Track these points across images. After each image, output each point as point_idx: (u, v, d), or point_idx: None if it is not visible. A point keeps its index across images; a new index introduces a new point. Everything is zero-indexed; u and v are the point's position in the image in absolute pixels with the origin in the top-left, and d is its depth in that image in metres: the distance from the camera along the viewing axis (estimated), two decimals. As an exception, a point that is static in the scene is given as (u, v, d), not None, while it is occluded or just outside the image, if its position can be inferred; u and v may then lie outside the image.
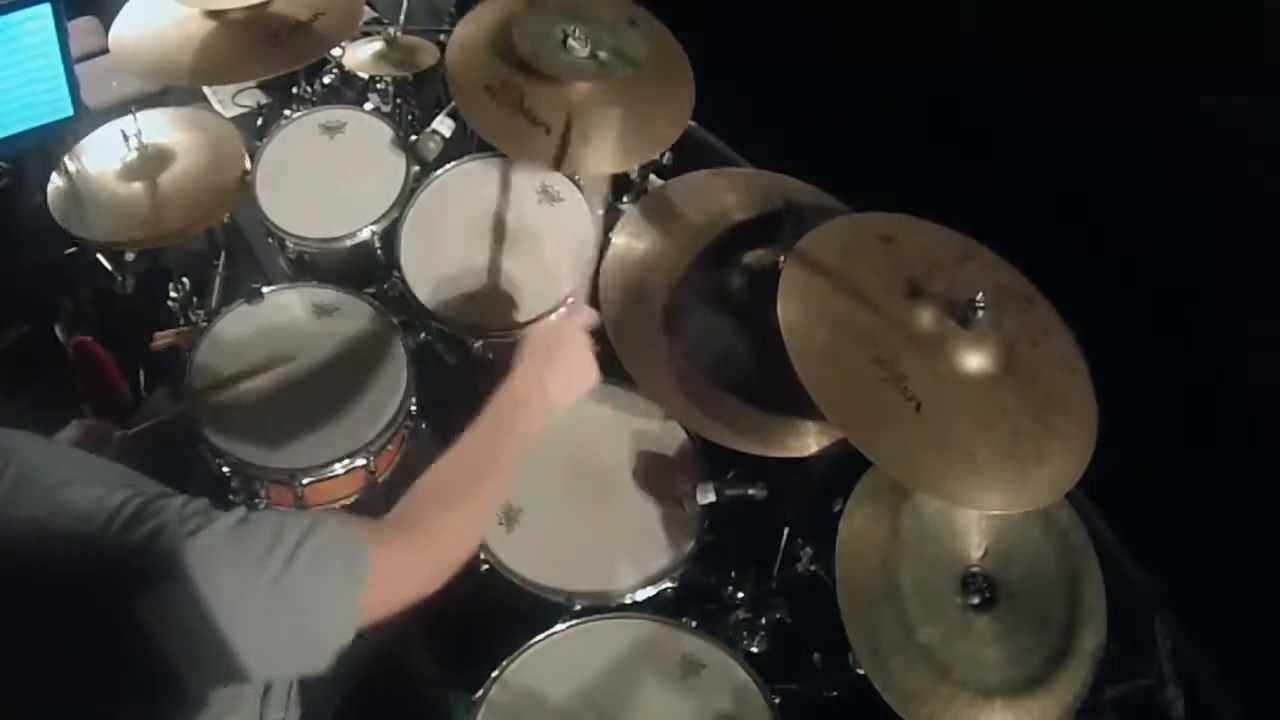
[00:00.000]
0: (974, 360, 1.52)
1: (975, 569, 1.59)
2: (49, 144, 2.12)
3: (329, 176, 2.20)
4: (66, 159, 2.07)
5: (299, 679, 1.28)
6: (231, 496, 1.87)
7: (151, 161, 2.08)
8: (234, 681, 0.96)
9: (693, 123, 2.11)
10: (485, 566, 1.68)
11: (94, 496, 0.94)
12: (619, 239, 1.94)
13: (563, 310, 1.37)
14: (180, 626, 0.90)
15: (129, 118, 2.09)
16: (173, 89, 2.75)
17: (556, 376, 1.34)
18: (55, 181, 2.05)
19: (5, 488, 0.94)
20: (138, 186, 2.05)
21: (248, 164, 2.14)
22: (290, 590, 0.95)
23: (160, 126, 2.16)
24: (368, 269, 2.19)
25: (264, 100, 2.64)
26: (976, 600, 1.57)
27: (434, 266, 2.04)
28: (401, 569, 1.08)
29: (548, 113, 1.90)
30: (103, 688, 0.91)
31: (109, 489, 0.96)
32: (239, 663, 0.93)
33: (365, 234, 2.12)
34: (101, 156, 2.10)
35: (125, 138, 2.06)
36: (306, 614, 0.97)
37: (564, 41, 2.00)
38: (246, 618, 0.93)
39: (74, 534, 0.92)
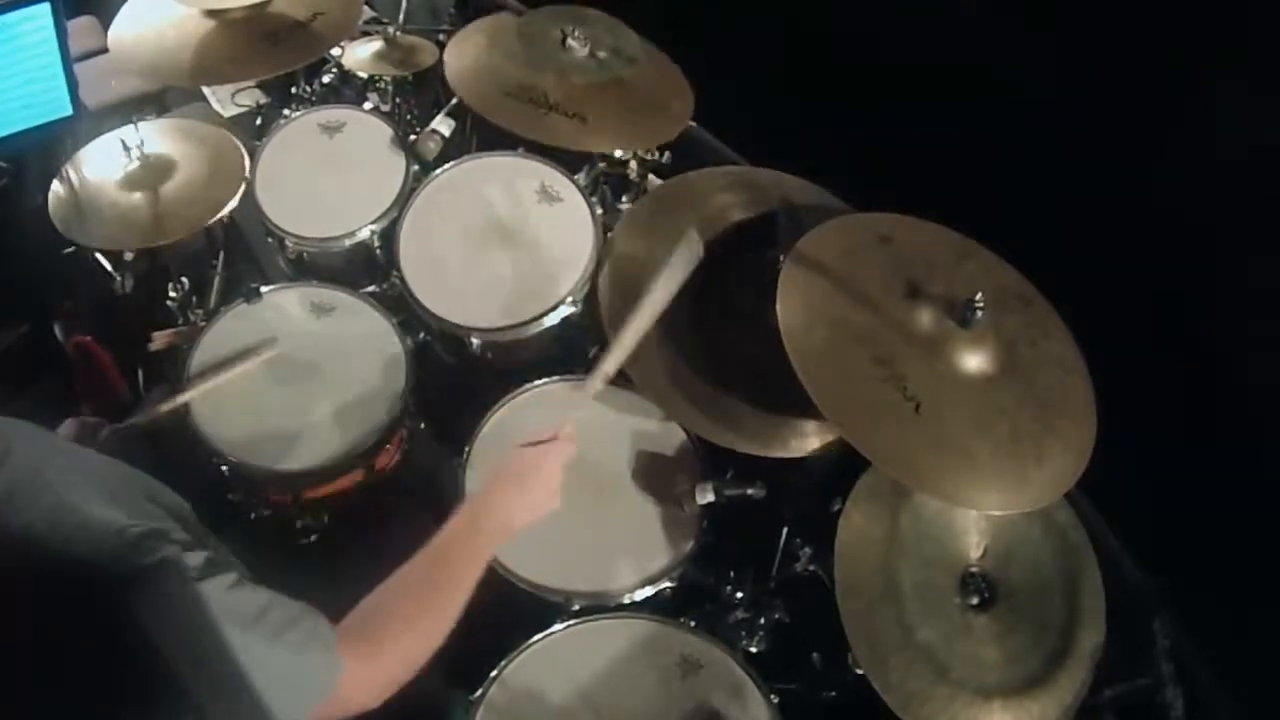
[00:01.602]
0: (973, 360, 1.52)
1: (974, 569, 1.59)
2: (48, 143, 2.12)
3: (328, 176, 2.20)
4: (68, 167, 2.07)
5: None
6: (230, 496, 1.87)
7: (153, 171, 2.08)
8: (231, 690, 0.97)
9: (692, 123, 2.11)
10: (484, 566, 1.68)
11: (97, 511, 0.95)
12: (618, 239, 1.95)
13: (552, 437, 1.38)
14: (178, 628, 0.91)
15: (130, 127, 2.09)
16: (172, 88, 2.75)
17: (525, 502, 1.33)
18: (56, 189, 2.05)
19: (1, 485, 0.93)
20: (139, 196, 2.05)
21: (248, 173, 2.14)
22: (270, 658, 0.99)
23: (161, 137, 2.16)
24: (367, 268, 2.19)
25: (263, 100, 2.64)
26: (976, 600, 1.57)
27: (433, 266, 2.04)
28: (363, 682, 1.11)
29: (578, 105, 1.94)
30: (101, 690, 0.91)
31: (111, 504, 0.96)
32: (239, 672, 0.95)
33: (364, 233, 2.12)
34: (102, 165, 2.10)
35: (126, 148, 2.06)
36: (275, 687, 0.99)
37: (563, 42, 2.02)
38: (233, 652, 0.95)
39: (73, 536, 0.92)
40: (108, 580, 0.91)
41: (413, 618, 1.18)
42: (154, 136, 2.13)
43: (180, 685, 0.93)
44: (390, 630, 1.15)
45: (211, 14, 2.11)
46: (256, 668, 0.97)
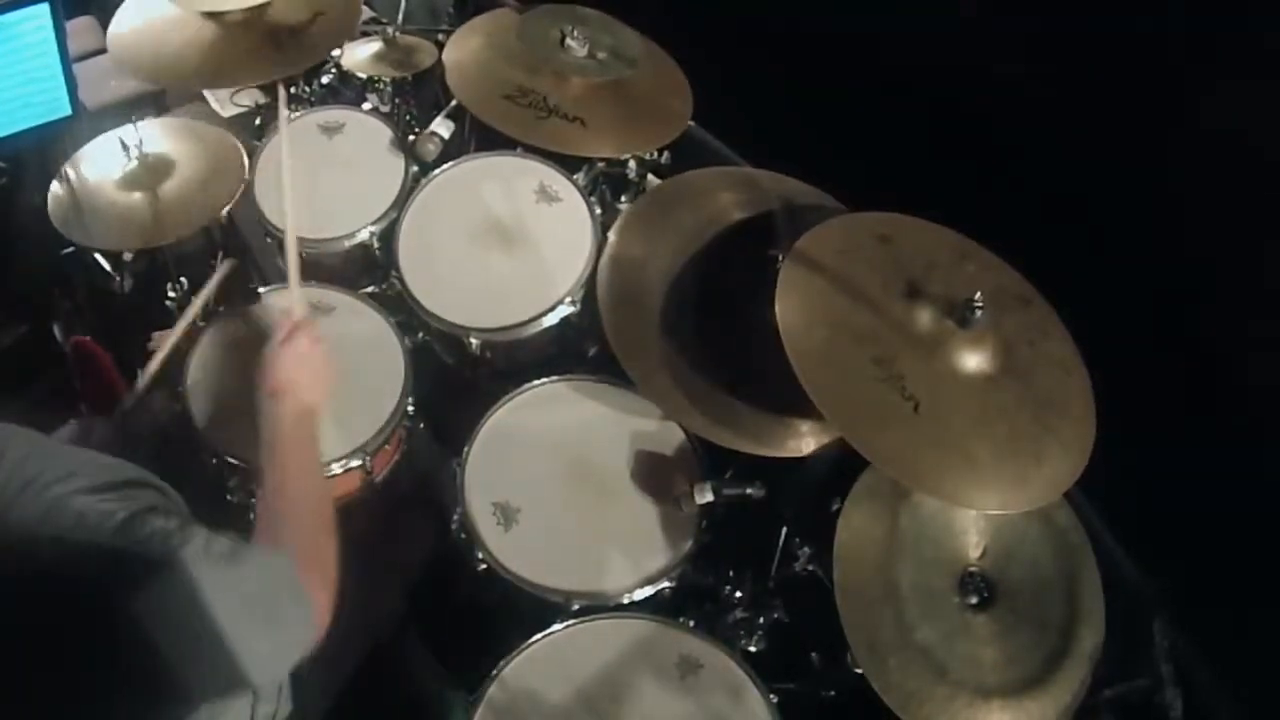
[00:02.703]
0: (972, 360, 1.52)
1: (974, 569, 1.59)
2: (47, 143, 2.12)
3: (328, 177, 2.20)
4: (67, 167, 2.07)
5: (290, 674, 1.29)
6: (229, 496, 1.86)
7: (152, 171, 2.08)
8: (226, 680, 0.98)
9: (691, 123, 2.12)
10: (484, 566, 1.68)
11: (88, 500, 0.96)
12: (617, 239, 1.95)
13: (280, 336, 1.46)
14: (173, 621, 0.92)
15: (129, 126, 2.09)
16: (171, 88, 2.75)
17: (302, 390, 1.41)
18: (56, 190, 2.05)
19: None
20: (138, 196, 2.05)
21: (247, 174, 2.14)
22: (263, 597, 1.05)
23: (160, 136, 2.16)
24: (366, 269, 2.18)
25: (262, 100, 2.64)
26: (975, 600, 1.57)
27: (432, 266, 2.04)
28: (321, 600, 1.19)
29: (577, 108, 1.93)
30: (98, 685, 0.91)
31: (103, 494, 0.98)
32: (231, 659, 0.97)
33: (363, 234, 2.12)
34: (102, 165, 2.10)
35: (125, 147, 2.05)
36: (277, 618, 1.07)
37: (561, 42, 2.02)
38: (230, 612, 0.97)
39: (67, 535, 0.93)
40: (102, 572, 0.93)
41: (316, 527, 1.28)
42: (153, 136, 2.13)
43: (176, 676, 0.94)
44: (312, 550, 1.24)
45: (210, 16, 2.11)
46: (259, 607, 1.04)
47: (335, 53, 2.39)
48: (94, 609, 0.90)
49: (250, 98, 2.68)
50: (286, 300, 1.67)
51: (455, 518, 1.75)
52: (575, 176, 2.13)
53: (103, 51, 2.18)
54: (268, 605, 1.06)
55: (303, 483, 1.32)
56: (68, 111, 2.00)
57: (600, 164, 2.22)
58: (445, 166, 2.15)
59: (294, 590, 1.12)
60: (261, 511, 1.31)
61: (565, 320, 1.99)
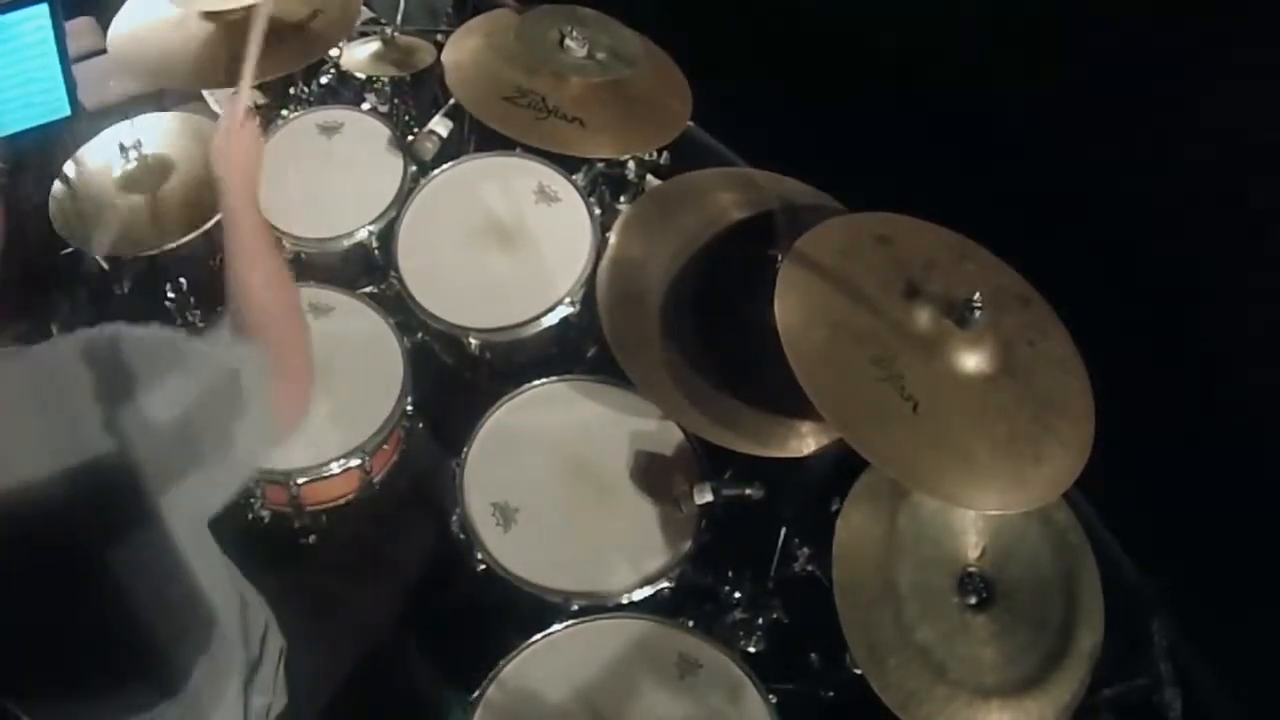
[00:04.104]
0: (971, 360, 1.52)
1: (973, 569, 1.59)
2: (47, 144, 2.12)
3: (326, 177, 2.20)
4: (66, 168, 2.07)
5: (283, 664, 1.30)
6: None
7: (151, 172, 2.08)
8: (192, 465, 1.02)
9: (690, 123, 2.12)
10: (483, 566, 1.68)
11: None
12: (617, 239, 1.95)
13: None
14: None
15: (126, 123, 2.08)
16: (170, 89, 2.75)
17: (234, 170, 1.39)
18: (55, 193, 2.05)
19: None
20: (137, 198, 2.05)
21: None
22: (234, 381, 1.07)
23: (159, 136, 2.16)
24: (365, 269, 2.18)
25: (261, 100, 2.64)
26: (974, 600, 1.57)
27: (431, 266, 2.04)
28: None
29: (576, 109, 1.93)
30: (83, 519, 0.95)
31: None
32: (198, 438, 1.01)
33: (362, 234, 2.11)
34: (101, 167, 2.09)
35: (124, 149, 2.05)
36: (247, 402, 1.08)
37: (561, 42, 2.02)
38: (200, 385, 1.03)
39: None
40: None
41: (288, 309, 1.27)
42: (152, 134, 2.13)
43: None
44: (262, 313, 1.22)
45: (209, 16, 2.11)
46: (226, 392, 1.06)
47: (334, 53, 2.39)
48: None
49: (249, 98, 2.68)
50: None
51: (454, 518, 1.75)
52: (574, 177, 2.13)
53: (102, 52, 2.18)
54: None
55: (263, 262, 1.31)
56: (67, 112, 2.00)
57: (599, 164, 2.22)
58: (444, 167, 2.15)
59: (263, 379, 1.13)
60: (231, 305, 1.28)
61: (565, 320, 1.99)
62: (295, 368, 1.20)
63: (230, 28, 2.12)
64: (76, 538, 0.96)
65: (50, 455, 0.94)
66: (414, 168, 2.19)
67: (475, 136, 2.31)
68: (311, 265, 2.18)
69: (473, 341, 1.97)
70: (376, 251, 2.15)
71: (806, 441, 1.70)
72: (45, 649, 0.99)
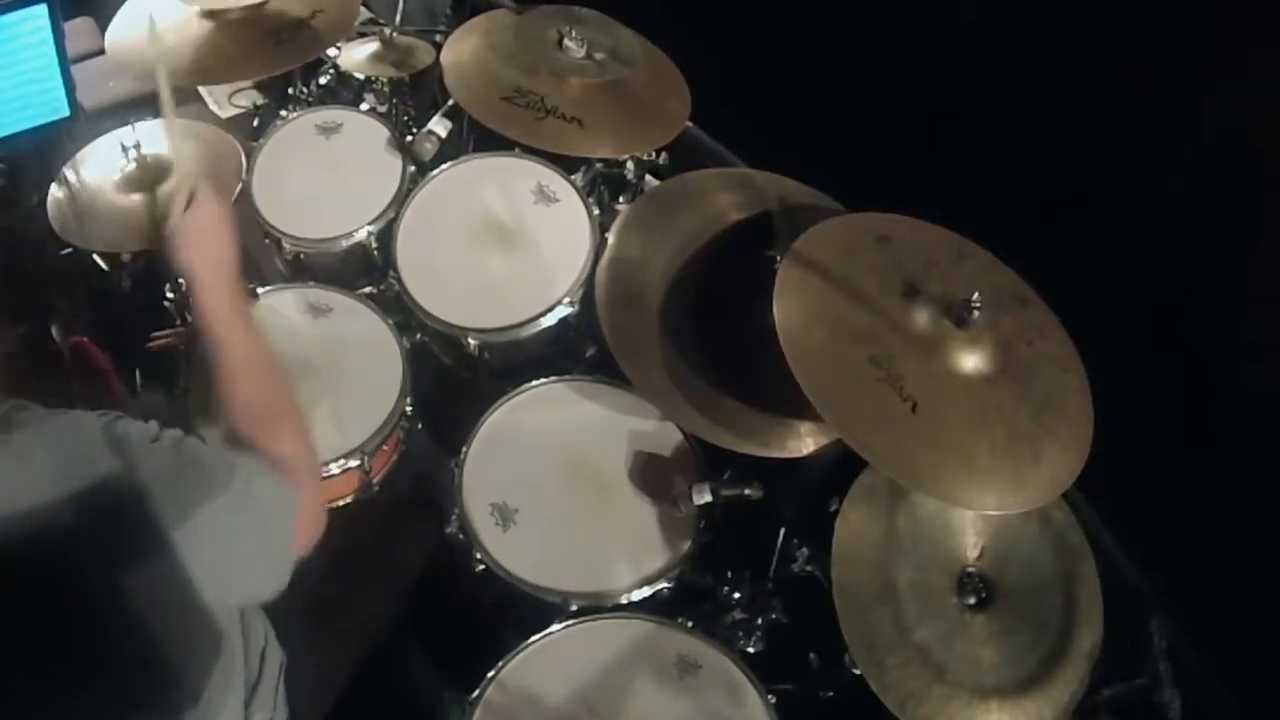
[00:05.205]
0: (970, 360, 1.52)
1: (971, 569, 1.59)
2: (45, 144, 2.11)
3: (325, 177, 2.20)
4: (66, 169, 2.07)
5: (283, 677, 1.29)
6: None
7: (151, 172, 2.08)
8: (203, 617, 1.02)
9: (689, 123, 2.12)
10: (482, 567, 1.68)
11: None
12: (615, 239, 1.95)
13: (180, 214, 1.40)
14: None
15: (127, 128, 2.08)
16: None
17: (206, 247, 1.35)
18: (55, 193, 2.05)
19: None
20: (137, 198, 2.05)
21: (245, 174, 2.14)
22: (255, 497, 1.07)
23: (159, 137, 2.16)
24: (364, 269, 2.18)
25: (260, 101, 2.64)
26: (973, 600, 1.57)
27: (430, 266, 2.04)
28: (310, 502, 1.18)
29: (575, 109, 1.94)
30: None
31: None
32: (210, 583, 1.00)
33: (361, 234, 2.11)
34: (101, 167, 2.09)
35: (124, 149, 2.05)
36: (269, 522, 1.09)
37: (559, 43, 2.02)
38: (213, 525, 1.01)
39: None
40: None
41: (284, 413, 1.26)
42: (152, 137, 2.13)
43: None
44: (270, 426, 1.22)
45: (209, 14, 2.11)
46: (246, 516, 1.06)
47: (333, 53, 2.39)
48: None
49: (248, 98, 2.69)
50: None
51: (453, 518, 1.75)
52: (573, 177, 2.13)
53: (101, 52, 2.18)
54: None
55: (280, 379, 1.30)
56: (66, 112, 1.99)
57: (598, 164, 2.22)
58: (443, 167, 2.15)
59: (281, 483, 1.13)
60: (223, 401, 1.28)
61: (563, 321, 1.99)
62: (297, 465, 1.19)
63: (230, 27, 2.12)
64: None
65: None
66: (413, 168, 2.19)
67: (474, 137, 2.31)
68: (310, 265, 2.19)
69: (472, 342, 1.97)
70: (375, 252, 2.15)
71: (805, 442, 1.70)
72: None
